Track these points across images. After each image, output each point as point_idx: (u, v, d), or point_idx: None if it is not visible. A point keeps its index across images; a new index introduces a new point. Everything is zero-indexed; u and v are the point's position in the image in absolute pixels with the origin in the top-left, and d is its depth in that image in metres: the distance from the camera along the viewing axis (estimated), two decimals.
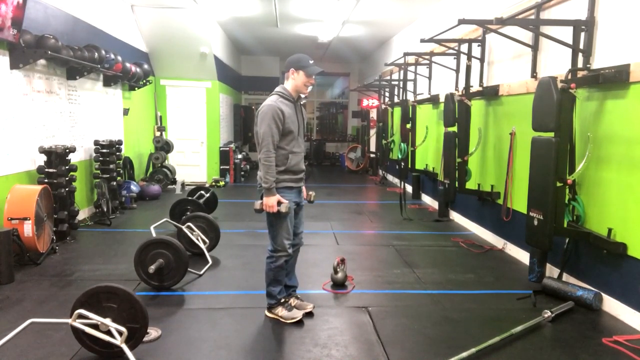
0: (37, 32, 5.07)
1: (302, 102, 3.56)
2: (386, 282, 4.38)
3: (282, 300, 3.54)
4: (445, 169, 6.08)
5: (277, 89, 3.43)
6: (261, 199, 3.34)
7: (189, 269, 4.08)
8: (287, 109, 3.34)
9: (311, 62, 3.40)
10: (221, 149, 10.41)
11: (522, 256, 4.97)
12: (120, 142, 7.04)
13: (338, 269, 4.20)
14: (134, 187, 7.59)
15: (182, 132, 10.17)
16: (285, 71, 3.44)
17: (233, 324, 3.45)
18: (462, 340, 3.18)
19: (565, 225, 3.94)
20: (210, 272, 4.51)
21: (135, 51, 8.60)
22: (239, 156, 11.05)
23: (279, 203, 3.26)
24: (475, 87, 5.98)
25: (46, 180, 5.18)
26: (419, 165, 8.57)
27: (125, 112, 8.07)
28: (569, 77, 3.91)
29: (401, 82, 9.00)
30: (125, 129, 8.09)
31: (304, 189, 3.64)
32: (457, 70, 6.64)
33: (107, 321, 2.68)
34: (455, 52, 6.43)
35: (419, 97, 8.59)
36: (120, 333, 2.65)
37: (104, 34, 7.09)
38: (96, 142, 6.67)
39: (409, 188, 9.25)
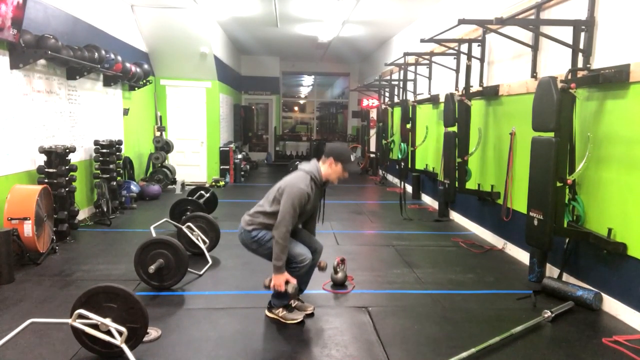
0: (37, 32, 5.07)
1: (327, 187, 3.59)
2: (386, 282, 4.38)
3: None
4: (445, 169, 6.08)
5: (312, 169, 3.40)
6: (254, 249, 3.43)
7: (189, 269, 4.08)
8: (313, 193, 3.35)
9: (353, 158, 3.44)
10: (221, 149, 10.41)
11: (522, 256, 4.97)
12: (120, 142, 7.04)
13: (338, 269, 4.20)
14: (134, 187, 7.59)
15: (182, 132, 10.17)
16: (325, 156, 3.42)
17: (233, 324, 3.45)
18: (462, 340, 3.18)
19: (565, 225, 3.95)
20: (210, 272, 4.51)
21: (135, 51, 8.60)
22: (239, 156, 11.05)
23: (287, 282, 3.26)
24: (475, 87, 5.98)
25: (46, 180, 5.18)
26: (419, 165, 8.57)
27: (125, 112, 8.07)
28: (569, 77, 3.91)
29: (401, 82, 8.99)
30: (125, 129, 8.09)
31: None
32: (457, 70, 6.64)
33: (107, 321, 2.68)
34: (455, 52, 6.43)
35: (419, 97, 8.59)
36: (120, 333, 2.65)
37: (104, 34, 7.09)
38: (96, 142, 6.67)
39: (409, 188, 9.25)
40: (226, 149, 10.45)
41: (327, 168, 3.41)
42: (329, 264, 4.37)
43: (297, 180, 3.31)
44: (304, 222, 3.64)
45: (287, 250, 3.24)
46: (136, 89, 8.43)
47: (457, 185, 5.90)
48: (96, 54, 6.14)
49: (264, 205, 3.42)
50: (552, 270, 4.42)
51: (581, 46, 3.99)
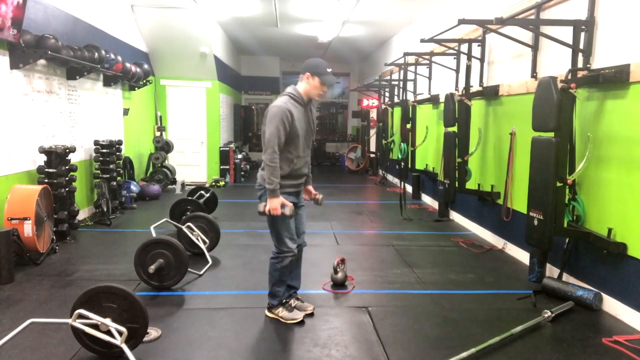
0: (37, 32, 5.07)
1: (312, 106, 3.50)
2: (386, 282, 4.38)
3: (283, 301, 3.54)
4: (445, 169, 6.08)
5: (289, 89, 3.37)
6: (261, 200, 3.32)
7: (189, 269, 4.08)
8: (297, 111, 3.28)
9: (329, 70, 3.35)
10: (221, 149, 10.41)
11: (522, 256, 4.97)
12: (120, 142, 7.04)
13: (338, 269, 4.20)
14: (134, 187, 7.59)
15: (182, 132, 10.17)
16: (301, 73, 3.36)
17: (233, 324, 3.45)
18: (462, 340, 3.18)
19: (565, 225, 3.94)
20: (210, 272, 4.51)
21: (135, 51, 8.60)
22: (239, 156, 11.06)
23: (283, 206, 3.22)
24: (475, 87, 5.98)
25: (46, 180, 5.18)
26: (419, 165, 8.57)
27: (125, 112, 8.07)
28: (569, 77, 3.91)
29: (401, 82, 8.99)
30: (125, 129, 8.09)
31: (310, 189, 3.62)
32: (457, 70, 6.64)
33: (107, 321, 2.68)
34: (455, 52, 6.43)
35: (419, 97, 8.59)
36: (120, 333, 2.65)
37: (104, 34, 7.09)
38: (96, 142, 6.67)
39: (409, 188, 9.25)
40: (226, 149, 10.45)
41: (305, 85, 3.34)
42: (329, 264, 4.38)
43: (275, 102, 3.28)
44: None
45: (278, 172, 3.18)
46: (136, 89, 8.43)
47: (457, 185, 5.90)
48: (96, 54, 6.14)
49: (263, 152, 3.30)
50: (552, 270, 4.42)
51: (581, 46, 3.99)
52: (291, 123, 3.22)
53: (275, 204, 3.19)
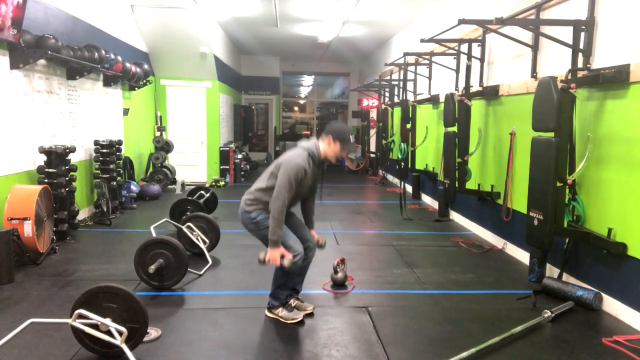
0: (37, 32, 5.07)
1: (325, 166, 3.55)
2: (386, 282, 4.38)
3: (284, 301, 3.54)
4: (445, 169, 6.08)
5: (311, 145, 3.36)
6: (246, 223, 3.37)
7: (189, 269, 4.08)
8: (310, 169, 3.32)
9: (352, 138, 3.39)
10: (221, 149, 10.41)
11: (522, 256, 4.97)
12: (120, 142, 7.04)
13: (338, 269, 4.20)
14: (134, 187, 7.59)
15: (182, 132, 10.17)
16: (324, 133, 3.38)
17: (233, 324, 3.45)
18: (462, 340, 3.18)
19: (565, 225, 3.94)
20: (210, 272, 4.51)
21: (135, 51, 8.60)
22: (239, 156, 11.05)
23: (282, 257, 3.23)
24: (475, 87, 5.98)
25: (46, 180, 5.18)
26: (419, 165, 8.57)
27: (125, 112, 8.07)
28: (569, 77, 3.91)
29: (401, 82, 9.00)
30: (125, 129, 8.09)
31: (313, 233, 3.64)
32: (457, 70, 6.64)
33: (107, 321, 2.68)
34: (455, 52, 6.43)
35: (419, 97, 8.59)
36: (120, 333, 2.65)
37: (104, 34, 7.09)
38: (96, 142, 6.67)
39: (409, 188, 9.25)
40: (226, 149, 10.45)
41: (325, 146, 3.36)
42: (329, 264, 4.38)
43: (294, 155, 3.28)
44: (303, 201, 3.57)
45: (283, 224, 3.20)
46: (136, 89, 8.42)
47: (457, 185, 5.90)
48: (96, 54, 6.14)
49: (261, 182, 3.37)
50: (552, 270, 4.42)
51: (581, 46, 3.99)
52: (302, 180, 3.26)
53: (276, 255, 3.20)
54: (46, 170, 5.22)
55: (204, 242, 4.87)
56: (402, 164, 8.33)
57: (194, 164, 10.32)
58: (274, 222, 3.16)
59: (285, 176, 3.17)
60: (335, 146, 3.33)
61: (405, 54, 7.63)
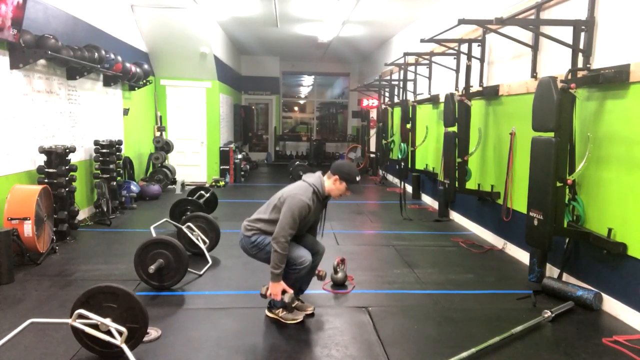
0: (37, 32, 5.07)
1: (327, 202, 3.59)
2: (386, 282, 4.38)
3: None
4: (445, 169, 6.08)
5: (316, 182, 3.39)
6: (254, 254, 3.44)
7: (189, 269, 4.08)
8: (314, 206, 3.35)
9: (358, 179, 3.42)
10: (221, 149, 10.41)
11: (522, 256, 4.97)
12: (120, 142, 7.04)
13: (338, 269, 4.20)
14: (134, 187, 7.59)
15: (182, 132, 10.17)
16: (331, 172, 3.41)
17: (233, 324, 3.45)
18: (462, 340, 3.18)
19: (565, 225, 3.94)
20: (210, 272, 4.51)
21: (135, 51, 8.60)
22: (239, 156, 11.05)
23: (284, 292, 3.25)
24: (475, 87, 5.98)
25: (46, 180, 5.18)
26: (419, 165, 8.57)
27: (125, 112, 8.07)
28: (569, 77, 3.91)
29: (401, 82, 9.00)
30: (125, 129, 8.09)
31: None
32: (457, 70, 6.64)
33: (107, 321, 2.68)
34: (455, 52, 6.43)
35: (419, 97, 8.59)
36: (120, 333, 2.65)
37: (104, 34, 7.09)
38: (96, 142, 6.67)
39: (409, 188, 9.25)
40: (226, 149, 10.45)
41: (331, 184, 3.41)
42: (329, 264, 4.38)
43: (299, 190, 3.31)
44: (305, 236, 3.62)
45: (285, 259, 3.24)
46: (136, 89, 8.43)
47: (457, 185, 5.90)
48: (96, 54, 6.14)
49: (263, 212, 3.43)
50: (552, 270, 4.42)
51: (581, 46, 3.99)
52: (305, 216, 3.29)
53: (277, 290, 3.25)
54: (46, 170, 5.22)
55: (204, 242, 4.86)
56: (402, 164, 8.33)
57: (194, 164, 10.32)
58: (277, 257, 3.19)
59: (289, 212, 3.19)
60: (341, 185, 3.39)
61: (405, 54, 7.63)
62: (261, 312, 3.58)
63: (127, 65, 7.30)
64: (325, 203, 3.55)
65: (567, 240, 4.17)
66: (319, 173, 3.49)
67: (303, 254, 3.36)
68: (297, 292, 3.63)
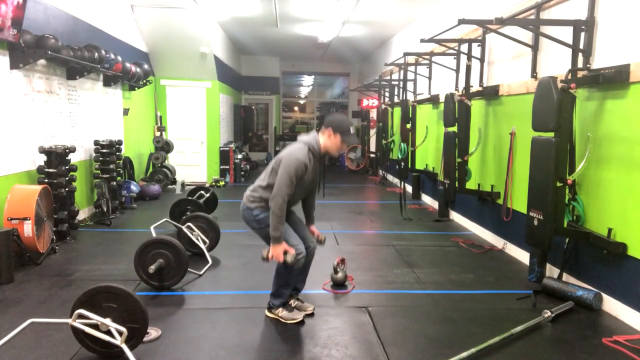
0: (37, 32, 5.07)
1: (326, 160, 3.52)
2: (386, 282, 4.38)
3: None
4: (445, 169, 6.08)
5: (311, 139, 3.33)
6: (248, 220, 3.38)
7: (189, 269, 4.08)
8: (311, 164, 3.28)
9: (352, 130, 3.34)
10: (221, 149, 10.41)
11: (522, 256, 4.97)
12: (120, 142, 7.04)
13: (338, 269, 4.21)
14: (134, 187, 7.59)
15: (182, 132, 10.17)
16: (324, 126, 3.34)
17: (233, 324, 3.45)
18: (462, 340, 3.18)
19: (565, 225, 3.94)
20: (210, 272, 4.51)
21: (135, 51, 8.60)
22: (239, 156, 11.06)
23: (285, 252, 3.22)
24: (475, 87, 5.98)
25: (46, 180, 5.18)
26: (419, 165, 8.57)
27: (125, 112, 8.07)
28: (569, 77, 3.91)
29: (401, 82, 8.99)
30: (125, 129, 8.09)
31: (314, 229, 3.66)
32: (457, 70, 6.64)
33: (107, 321, 2.68)
34: (455, 52, 6.43)
35: (419, 97, 8.59)
36: (120, 333, 2.65)
37: (104, 34, 7.09)
38: (96, 142, 6.67)
39: (409, 188, 9.25)
40: (226, 149, 10.45)
41: (325, 139, 3.32)
42: (329, 264, 4.38)
43: (294, 150, 3.25)
44: (304, 198, 3.57)
45: (284, 220, 3.18)
46: (136, 89, 8.43)
47: (457, 185, 5.90)
48: (96, 54, 6.14)
49: (262, 179, 3.35)
50: (552, 270, 4.42)
51: (581, 46, 3.99)
52: (303, 175, 3.23)
53: (279, 251, 3.20)
54: (46, 170, 5.22)
55: (204, 242, 4.86)
56: (402, 164, 8.33)
57: (194, 164, 10.32)
58: (275, 219, 3.15)
59: (285, 172, 3.15)
60: (336, 139, 3.29)
61: (405, 54, 7.62)
62: (261, 312, 3.58)
63: (127, 65, 7.30)
64: (323, 162, 3.47)
65: (567, 240, 4.17)
66: (313, 132, 3.41)
67: (299, 247, 3.32)
68: (294, 291, 3.64)
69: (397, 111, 9.80)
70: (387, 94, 11.25)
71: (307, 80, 19.14)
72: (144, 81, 8.42)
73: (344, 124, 3.30)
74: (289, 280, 3.46)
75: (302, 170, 3.19)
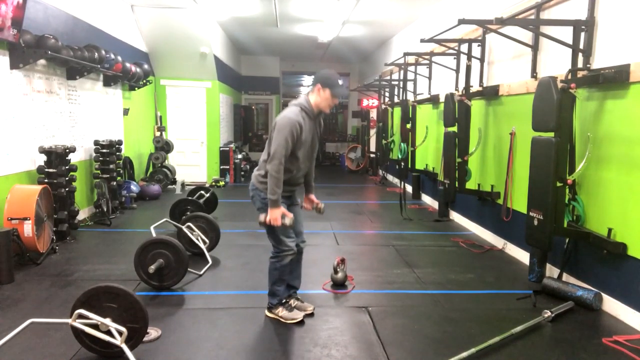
0: (37, 32, 5.07)
1: (321, 118, 3.50)
2: (386, 282, 4.38)
3: (283, 300, 3.54)
4: (445, 169, 6.08)
5: (301, 100, 3.33)
6: (254, 200, 3.37)
7: (189, 269, 4.08)
8: (306, 124, 3.26)
9: (340, 82, 3.32)
10: (221, 149, 10.41)
11: (522, 256, 4.97)
12: (120, 142, 7.04)
13: (338, 269, 4.20)
14: (134, 187, 7.59)
15: (182, 132, 10.17)
16: (312, 84, 3.34)
17: (233, 324, 3.45)
18: (462, 340, 3.18)
19: (565, 225, 3.94)
20: (210, 272, 4.51)
21: (135, 51, 8.60)
22: (239, 156, 11.06)
23: (283, 216, 3.22)
24: (475, 87, 5.98)
25: (46, 180, 5.18)
26: (419, 165, 8.57)
27: (125, 112, 8.07)
28: (569, 77, 3.91)
29: (401, 82, 8.99)
30: (125, 129, 8.09)
31: (313, 198, 3.64)
32: (457, 70, 6.64)
33: (107, 321, 2.68)
34: (455, 52, 6.43)
35: (419, 97, 8.59)
36: (120, 333, 2.65)
37: (104, 34, 7.09)
38: (96, 142, 6.67)
39: (409, 188, 9.25)
40: (226, 149, 10.46)
41: (315, 96, 3.30)
42: (329, 264, 4.38)
43: (286, 112, 3.25)
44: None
45: (281, 183, 3.17)
46: (136, 89, 8.43)
47: (457, 185, 5.90)
48: (96, 54, 6.14)
49: (265, 153, 3.33)
50: (552, 270, 4.42)
51: (581, 46, 3.99)
52: (299, 136, 3.20)
53: (277, 215, 3.20)
54: (46, 170, 5.22)
55: (204, 242, 4.86)
56: (402, 164, 8.33)
57: (194, 164, 10.32)
58: (272, 181, 3.14)
59: (280, 134, 3.15)
60: (325, 93, 3.27)
61: (405, 54, 7.62)
62: (261, 312, 3.58)
63: (127, 65, 7.30)
64: (319, 121, 3.44)
65: (567, 240, 4.17)
66: (303, 94, 3.42)
67: (288, 243, 3.34)
68: (292, 290, 3.64)
69: (397, 111, 9.80)
70: (387, 94, 11.25)
71: (307, 80, 19.14)
72: (144, 81, 8.42)
73: (331, 78, 3.29)
74: (282, 277, 3.45)
75: (296, 129, 3.18)
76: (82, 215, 6.36)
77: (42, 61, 5.34)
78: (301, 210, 3.64)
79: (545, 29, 4.50)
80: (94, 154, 6.75)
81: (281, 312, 3.47)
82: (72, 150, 5.50)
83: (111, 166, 6.73)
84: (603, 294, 3.79)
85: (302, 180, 3.50)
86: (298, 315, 3.45)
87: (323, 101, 3.29)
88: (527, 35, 4.84)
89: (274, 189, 3.15)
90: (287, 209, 3.39)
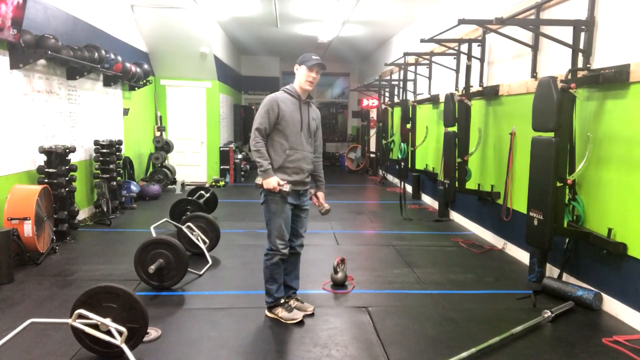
0: (37, 32, 5.07)
1: (311, 102, 3.57)
2: (386, 282, 4.38)
3: (282, 301, 3.54)
4: (445, 169, 6.08)
5: (286, 85, 3.53)
6: (262, 202, 3.45)
7: (189, 269, 4.08)
8: (288, 102, 3.40)
9: (314, 57, 3.42)
10: (221, 149, 10.41)
11: (522, 256, 4.97)
12: (120, 142, 7.04)
13: (338, 269, 4.20)
14: (134, 187, 7.59)
15: (182, 132, 10.18)
16: (294, 69, 3.50)
17: (233, 324, 3.45)
18: (462, 340, 3.18)
19: (565, 225, 3.95)
20: (210, 272, 4.51)
21: (135, 51, 8.60)
22: (239, 156, 11.05)
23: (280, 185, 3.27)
24: (475, 87, 5.98)
25: (46, 180, 5.18)
26: (419, 165, 8.57)
27: (125, 112, 8.07)
28: (569, 77, 3.92)
29: (401, 82, 8.99)
30: (125, 129, 8.09)
31: (320, 196, 3.65)
32: (457, 70, 6.64)
33: (107, 321, 2.68)
34: (455, 52, 6.43)
35: (419, 97, 8.59)
36: (120, 333, 2.65)
37: (104, 34, 7.09)
38: (96, 142, 6.67)
39: (409, 188, 9.25)
40: (226, 149, 10.46)
41: (297, 77, 3.46)
42: (329, 264, 4.38)
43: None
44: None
45: (263, 154, 3.30)
46: (136, 89, 8.43)
47: (457, 185, 5.90)
48: (96, 54, 6.14)
49: None
50: (552, 270, 4.42)
51: (581, 46, 3.99)
52: (278, 112, 3.35)
53: (272, 183, 3.29)
54: (46, 170, 5.22)
55: (204, 242, 4.87)
56: (402, 164, 8.33)
57: (194, 164, 10.32)
58: (254, 154, 3.34)
59: (259, 111, 3.42)
60: (301, 69, 3.43)
61: (405, 54, 7.62)
62: (261, 312, 3.58)
63: (127, 65, 7.30)
64: (309, 105, 3.53)
65: (567, 240, 4.17)
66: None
67: (277, 244, 3.36)
68: (291, 290, 3.65)
69: (397, 111, 9.80)
70: (387, 94, 11.25)
71: None
72: (144, 81, 8.43)
73: (305, 56, 3.45)
74: (273, 276, 3.45)
75: (274, 105, 3.36)
76: (82, 215, 6.36)
77: (42, 61, 5.34)
78: (307, 215, 3.62)
79: (545, 29, 4.50)
80: (94, 154, 6.75)
81: (281, 312, 3.47)
82: (72, 150, 5.50)
83: (111, 166, 6.73)
84: (603, 294, 3.79)
85: (307, 168, 3.48)
86: (298, 316, 3.45)
87: (301, 78, 3.45)
88: (527, 35, 4.84)
89: (259, 161, 3.31)
90: (293, 213, 3.43)
